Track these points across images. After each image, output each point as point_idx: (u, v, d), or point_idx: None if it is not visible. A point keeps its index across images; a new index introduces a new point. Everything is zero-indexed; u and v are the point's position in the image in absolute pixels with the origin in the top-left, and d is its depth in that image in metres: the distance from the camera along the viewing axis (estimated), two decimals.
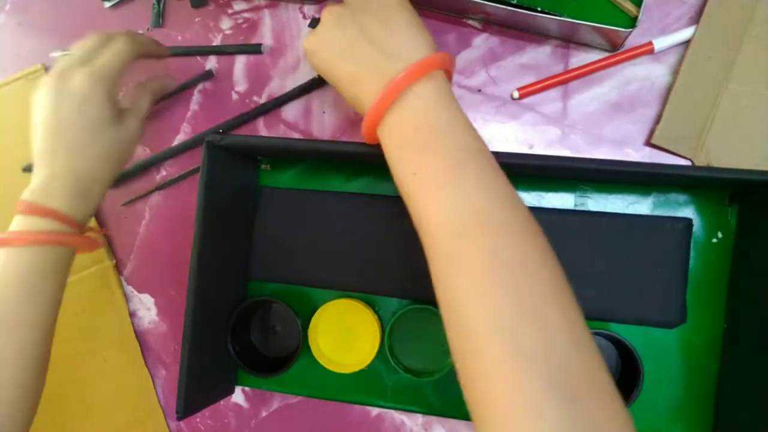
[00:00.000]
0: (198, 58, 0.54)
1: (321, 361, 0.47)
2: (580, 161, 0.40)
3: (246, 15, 0.54)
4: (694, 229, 0.44)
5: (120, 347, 0.55)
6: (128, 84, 0.56)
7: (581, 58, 0.48)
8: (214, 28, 0.55)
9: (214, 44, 0.54)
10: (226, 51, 0.54)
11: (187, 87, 0.54)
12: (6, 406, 0.40)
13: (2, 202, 0.57)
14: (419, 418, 0.50)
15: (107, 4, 0.57)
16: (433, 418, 0.49)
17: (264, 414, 0.53)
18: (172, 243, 0.55)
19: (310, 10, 0.53)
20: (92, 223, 0.56)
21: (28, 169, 0.56)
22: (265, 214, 0.50)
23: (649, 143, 0.46)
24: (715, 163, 0.44)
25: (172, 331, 0.55)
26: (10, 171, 0.58)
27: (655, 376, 0.44)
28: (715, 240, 0.44)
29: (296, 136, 0.52)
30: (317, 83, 0.51)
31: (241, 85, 0.54)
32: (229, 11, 0.54)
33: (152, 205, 0.56)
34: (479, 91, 0.49)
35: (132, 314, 0.56)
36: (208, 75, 0.54)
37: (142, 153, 0.56)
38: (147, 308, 0.56)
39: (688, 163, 0.45)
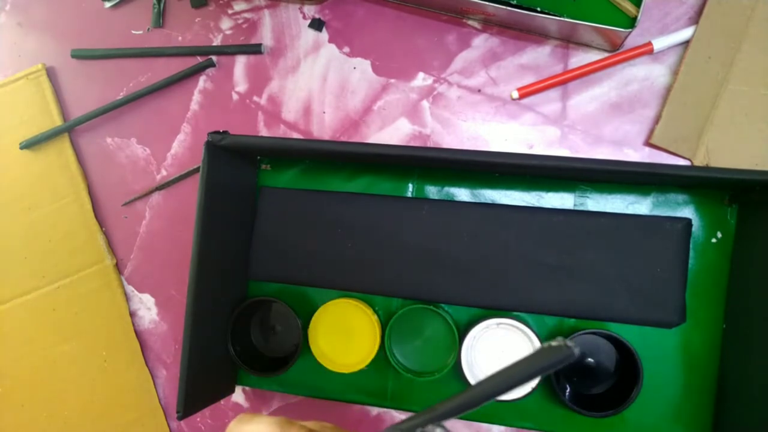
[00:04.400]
0: (198, 58, 0.55)
1: (321, 361, 0.47)
2: (579, 161, 0.40)
3: (246, 15, 0.54)
4: (694, 228, 0.44)
5: (120, 347, 0.55)
6: (128, 84, 0.56)
7: (581, 58, 0.48)
8: (214, 28, 0.55)
9: (214, 44, 0.54)
10: (226, 51, 0.54)
11: (188, 75, 0.54)
12: None
13: (2, 201, 0.58)
14: None
15: (107, 4, 0.57)
16: None
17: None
18: (172, 243, 0.55)
19: (310, 10, 0.53)
20: (93, 223, 0.56)
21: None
22: (265, 214, 0.51)
23: (648, 143, 0.46)
24: (714, 163, 0.44)
25: (172, 330, 0.55)
26: (11, 170, 0.58)
27: (655, 376, 0.44)
28: (714, 240, 0.44)
29: (296, 136, 0.53)
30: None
31: (241, 85, 0.54)
32: (229, 11, 0.54)
33: (152, 205, 0.56)
34: (479, 91, 0.49)
35: (132, 314, 0.56)
36: (209, 63, 0.54)
37: (141, 152, 0.56)
38: (147, 308, 0.56)
39: (688, 163, 0.45)
